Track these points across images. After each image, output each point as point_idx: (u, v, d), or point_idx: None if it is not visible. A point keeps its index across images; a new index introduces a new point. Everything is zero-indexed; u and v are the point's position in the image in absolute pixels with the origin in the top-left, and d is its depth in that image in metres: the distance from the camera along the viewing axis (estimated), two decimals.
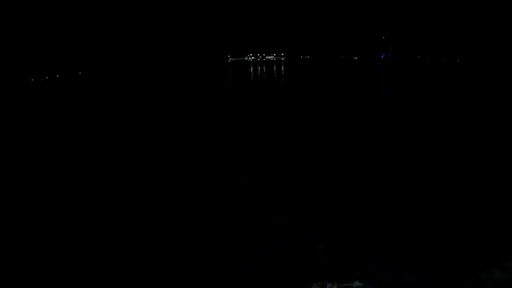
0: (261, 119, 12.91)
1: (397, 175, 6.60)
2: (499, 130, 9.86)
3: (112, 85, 32.64)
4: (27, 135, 11.69)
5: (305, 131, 10.68)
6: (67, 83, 36.97)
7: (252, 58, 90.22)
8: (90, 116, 14.95)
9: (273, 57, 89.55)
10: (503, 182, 6.03)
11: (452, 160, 7.33)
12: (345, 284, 3.33)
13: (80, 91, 28.49)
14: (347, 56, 67.14)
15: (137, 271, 3.77)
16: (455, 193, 5.66)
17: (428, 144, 8.65)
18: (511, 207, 4.98)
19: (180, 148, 9.21)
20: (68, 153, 8.93)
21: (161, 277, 3.66)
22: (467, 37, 42.88)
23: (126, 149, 9.29)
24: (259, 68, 51.23)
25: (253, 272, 3.72)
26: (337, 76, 33.17)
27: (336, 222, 4.85)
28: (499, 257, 3.71)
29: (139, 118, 13.75)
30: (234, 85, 28.73)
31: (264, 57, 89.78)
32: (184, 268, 3.76)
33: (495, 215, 4.85)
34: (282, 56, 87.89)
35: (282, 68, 49.95)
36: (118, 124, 12.97)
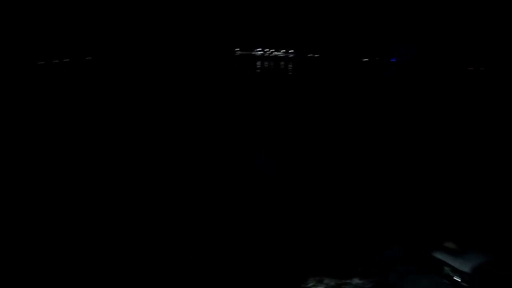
0: (262, 113, 12.75)
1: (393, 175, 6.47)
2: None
3: (111, 78, 32.47)
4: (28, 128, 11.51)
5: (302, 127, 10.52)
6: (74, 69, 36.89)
7: (261, 53, 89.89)
8: (93, 108, 14.75)
9: (281, 53, 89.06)
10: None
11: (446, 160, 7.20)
12: (344, 281, 3.18)
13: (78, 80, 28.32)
14: (357, 56, 66.55)
15: (136, 271, 3.67)
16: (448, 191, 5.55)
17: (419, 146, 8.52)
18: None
19: (181, 146, 8.99)
20: (71, 150, 8.73)
21: (161, 277, 3.55)
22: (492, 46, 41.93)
23: (128, 146, 9.06)
24: (266, 63, 50.96)
25: (252, 266, 3.61)
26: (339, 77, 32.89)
27: (337, 220, 4.72)
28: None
29: (142, 115, 13.50)
30: (239, 80, 28.51)
31: (272, 52, 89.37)
32: (183, 264, 3.63)
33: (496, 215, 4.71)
34: (291, 53, 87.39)
35: (290, 64, 49.59)
36: (118, 120, 12.75)
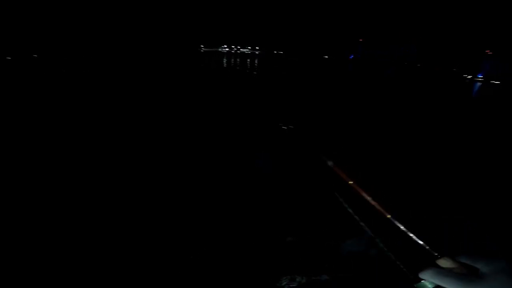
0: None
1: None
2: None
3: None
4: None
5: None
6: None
7: (227, 49, 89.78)
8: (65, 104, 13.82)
9: (247, 50, 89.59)
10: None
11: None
12: (313, 278, 3.40)
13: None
14: (318, 55, 68.78)
15: (136, 271, 3.63)
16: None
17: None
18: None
19: (173, 146, 8.76)
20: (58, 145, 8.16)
21: (161, 277, 3.55)
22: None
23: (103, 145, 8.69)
24: (232, 59, 50.70)
25: (222, 266, 3.69)
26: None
27: (305, 216, 4.94)
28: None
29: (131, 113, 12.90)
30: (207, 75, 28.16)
31: (239, 49, 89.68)
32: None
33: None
34: (257, 49, 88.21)
35: (256, 60, 49.77)
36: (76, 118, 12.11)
